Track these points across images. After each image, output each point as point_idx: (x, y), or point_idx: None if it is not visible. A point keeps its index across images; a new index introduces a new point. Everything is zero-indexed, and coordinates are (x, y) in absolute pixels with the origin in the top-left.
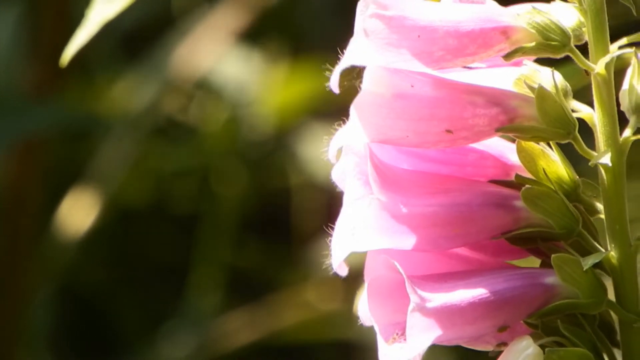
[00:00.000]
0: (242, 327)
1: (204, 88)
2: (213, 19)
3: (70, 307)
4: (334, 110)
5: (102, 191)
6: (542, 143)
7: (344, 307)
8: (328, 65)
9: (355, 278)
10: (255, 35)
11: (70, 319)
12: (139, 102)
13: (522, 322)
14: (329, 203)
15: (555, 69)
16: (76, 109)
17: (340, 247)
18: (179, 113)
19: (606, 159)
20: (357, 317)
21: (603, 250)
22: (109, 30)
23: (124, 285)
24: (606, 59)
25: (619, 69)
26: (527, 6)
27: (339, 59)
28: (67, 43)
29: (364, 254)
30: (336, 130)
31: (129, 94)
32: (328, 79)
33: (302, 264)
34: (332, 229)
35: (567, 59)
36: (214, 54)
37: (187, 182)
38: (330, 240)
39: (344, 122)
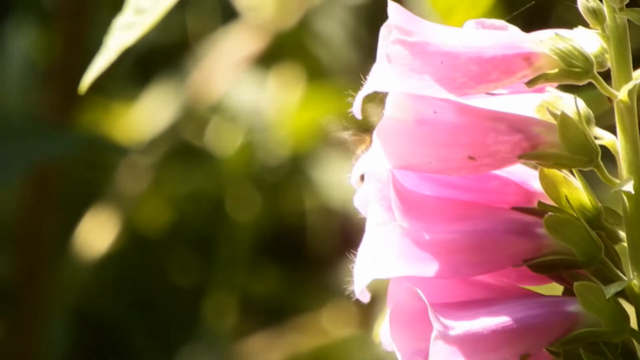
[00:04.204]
0: (257, 352)
1: (219, 112)
2: (228, 43)
3: (85, 330)
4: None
5: (118, 214)
6: (564, 170)
7: (360, 333)
8: (347, 91)
9: (370, 303)
10: (270, 60)
11: (85, 342)
12: (155, 126)
13: (544, 350)
14: (344, 228)
15: (577, 95)
16: (91, 134)
17: (363, 274)
18: (195, 137)
19: (629, 187)
20: (373, 342)
21: (625, 278)
22: (124, 54)
23: (140, 309)
24: (629, 85)
25: None
26: (549, 32)
27: (356, 84)
28: (81, 67)
29: (384, 279)
30: (355, 155)
31: (145, 118)
32: (343, 104)
33: (317, 289)
34: (352, 254)
35: (590, 85)
36: (229, 79)
37: (203, 206)
38: (352, 267)
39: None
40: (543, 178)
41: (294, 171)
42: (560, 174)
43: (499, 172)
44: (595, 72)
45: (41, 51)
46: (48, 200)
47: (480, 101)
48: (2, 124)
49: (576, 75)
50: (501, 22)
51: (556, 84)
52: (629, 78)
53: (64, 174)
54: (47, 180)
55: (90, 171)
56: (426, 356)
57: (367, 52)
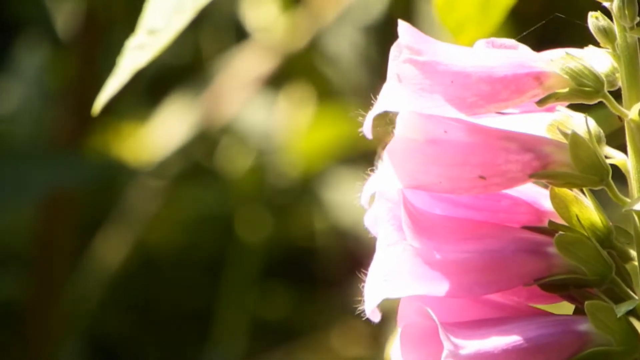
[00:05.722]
0: None
1: (229, 134)
2: (239, 64)
3: (96, 351)
4: (359, 155)
5: (129, 236)
6: (575, 189)
7: (370, 353)
8: (357, 111)
9: (380, 324)
10: (281, 80)
11: None
12: (166, 147)
13: None
14: (354, 249)
15: (588, 114)
16: (103, 158)
17: (373, 294)
18: (205, 158)
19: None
20: None
21: (636, 297)
22: (136, 74)
23: (150, 330)
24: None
25: None
26: (560, 51)
27: (366, 105)
28: (95, 88)
29: (394, 298)
30: (366, 175)
31: (156, 139)
32: (353, 125)
33: (327, 309)
34: (362, 274)
35: (600, 104)
36: (240, 100)
37: (213, 228)
38: (363, 286)
39: (375, 168)
40: (554, 197)
41: (304, 192)
42: (571, 193)
43: (509, 191)
44: (606, 91)
45: (54, 72)
46: (60, 223)
47: (491, 120)
48: (15, 149)
49: (587, 95)
50: (512, 42)
51: (567, 103)
52: (639, 97)
53: (76, 197)
54: (60, 203)
55: (101, 193)
56: None
57: (377, 72)
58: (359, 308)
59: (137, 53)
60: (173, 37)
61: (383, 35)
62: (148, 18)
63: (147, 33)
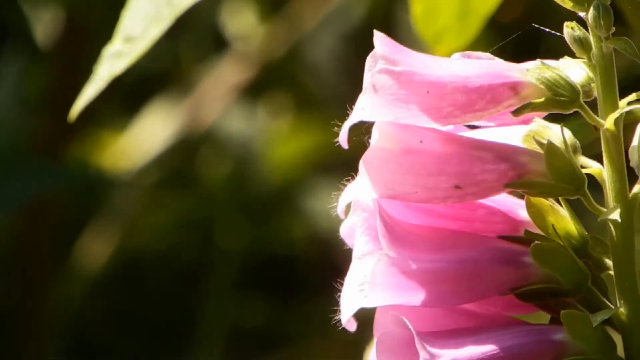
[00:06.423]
0: None
1: (209, 141)
2: (218, 72)
3: (76, 356)
4: (338, 164)
5: (109, 243)
6: (551, 199)
7: None
8: (335, 121)
9: (360, 332)
10: (260, 89)
11: None
12: (146, 154)
13: None
14: (333, 257)
15: (564, 124)
16: (83, 166)
17: (349, 304)
18: (185, 166)
19: (615, 215)
20: None
21: (612, 306)
22: (115, 82)
23: (128, 336)
24: (615, 114)
25: (628, 124)
26: (536, 62)
27: (345, 114)
28: (74, 97)
29: (371, 308)
30: (343, 184)
31: (136, 146)
32: (332, 133)
33: (306, 318)
34: (340, 283)
35: (576, 114)
36: (219, 107)
37: (192, 235)
38: (339, 296)
39: (352, 177)
40: (530, 207)
41: (283, 200)
42: (546, 203)
43: (485, 201)
44: (581, 101)
45: (33, 80)
46: (41, 229)
47: (467, 132)
48: None
49: (562, 104)
50: (487, 55)
51: (543, 114)
52: (615, 107)
53: (57, 204)
54: (40, 210)
55: (82, 200)
56: None
57: (356, 81)
58: (335, 318)
59: (114, 61)
60: (150, 45)
61: (362, 45)
62: (125, 26)
63: (124, 41)
